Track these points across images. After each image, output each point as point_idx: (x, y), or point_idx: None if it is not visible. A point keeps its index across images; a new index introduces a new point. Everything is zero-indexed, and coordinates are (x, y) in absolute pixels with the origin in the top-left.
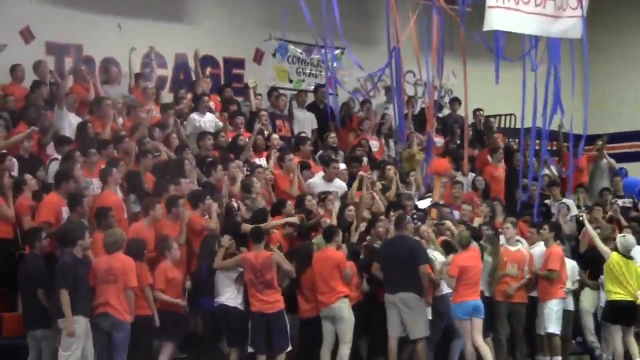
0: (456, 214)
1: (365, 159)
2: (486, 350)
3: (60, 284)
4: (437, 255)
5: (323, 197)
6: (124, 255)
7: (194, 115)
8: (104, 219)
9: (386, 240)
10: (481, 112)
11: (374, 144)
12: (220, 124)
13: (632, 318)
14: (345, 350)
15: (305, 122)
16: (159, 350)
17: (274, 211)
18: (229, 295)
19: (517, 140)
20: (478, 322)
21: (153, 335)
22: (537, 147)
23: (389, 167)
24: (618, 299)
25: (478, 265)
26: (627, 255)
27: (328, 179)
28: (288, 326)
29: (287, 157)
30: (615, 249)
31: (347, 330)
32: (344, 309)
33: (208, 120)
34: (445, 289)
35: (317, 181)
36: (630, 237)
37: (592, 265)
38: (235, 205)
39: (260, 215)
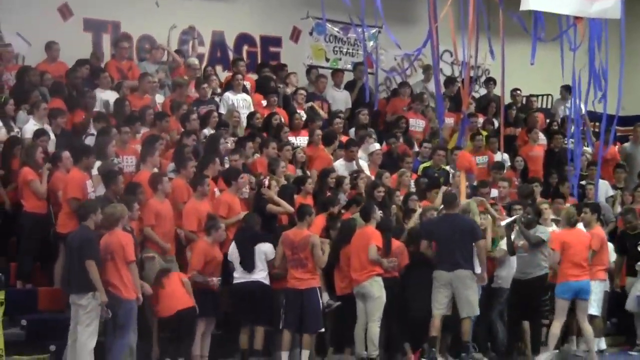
0: (494, 192)
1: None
2: (589, 332)
3: (88, 256)
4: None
5: (355, 177)
6: (121, 231)
7: (228, 94)
8: (132, 194)
9: (437, 218)
10: (519, 92)
11: (420, 123)
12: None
13: None
14: (374, 328)
15: (341, 102)
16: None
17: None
18: (263, 274)
19: (557, 121)
20: (582, 304)
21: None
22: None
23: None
24: None
25: (582, 245)
26: None
27: (348, 160)
28: (321, 307)
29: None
30: None
31: (376, 308)
32: (375, 287)
33: (242, 99)
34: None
35: (337, 163)
36: None
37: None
38: (266, 182)
39: (288, 193)
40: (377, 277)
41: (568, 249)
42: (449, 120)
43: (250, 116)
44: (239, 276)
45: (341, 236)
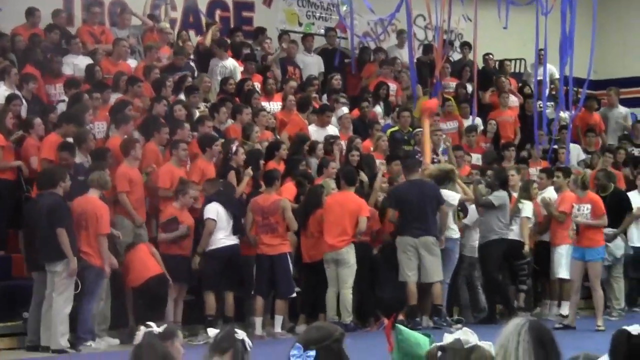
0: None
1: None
2: (597, 297)
3: (59, 224)
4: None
5: (332, 142)
6: (97, 199)
7: (214, 61)
8: (102, 160)
9: (404, 185)
10: (491, 56)
11: (392, 87)
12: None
13: None
14: (347, 295)
15: (313, 66)
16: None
17: (268, 153)
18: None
19: (529, 85)
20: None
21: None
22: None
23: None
24: None
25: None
26: None
27: (321, 125)
28: (291, 272)
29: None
30: None
31: (349, 275)
32: (350, 254)
33: (230, 65)
34: (455, 234)
35: (311, 128)
36: None
37: None
38: (233, 148)
39: (254, 158)
40: (352, 244)
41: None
42: None
43: (224, 82)
44: (224, 237)
45: (309, 202)
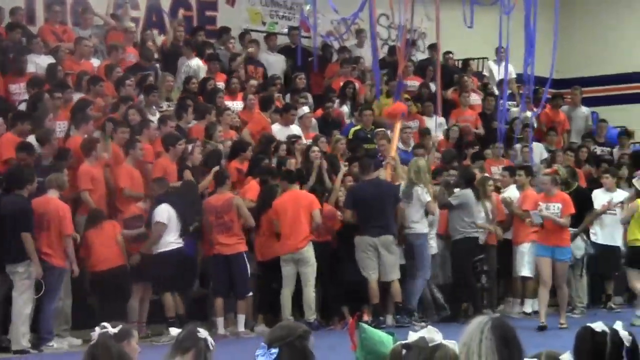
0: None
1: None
2: (562, 295)
3: (24, 227)
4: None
5: (293, 141)
6: (58, 200)
7: (182, 60)
8: (64, 160)
9: (361, 184)
10: (451, 55)
11: (357, 86)
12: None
13: None
14: (310, 293)
15: (276, 65)
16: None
17: (234, 153)
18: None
19: (489, 84)
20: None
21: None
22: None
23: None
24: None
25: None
26: None
27: (285, 124)
28: (249, 271)
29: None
30: (637, 195)
31: (311, 273)
32: (311, 252)
33: (195, 64)
34: (424, 229)
35: (275, 127)
36: None
37: None
38: (189, 148)
39: (213, 158)
40: (311, 242)
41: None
42: None
43: (187, 81)
44: (174, 241)
45: (262, 201)
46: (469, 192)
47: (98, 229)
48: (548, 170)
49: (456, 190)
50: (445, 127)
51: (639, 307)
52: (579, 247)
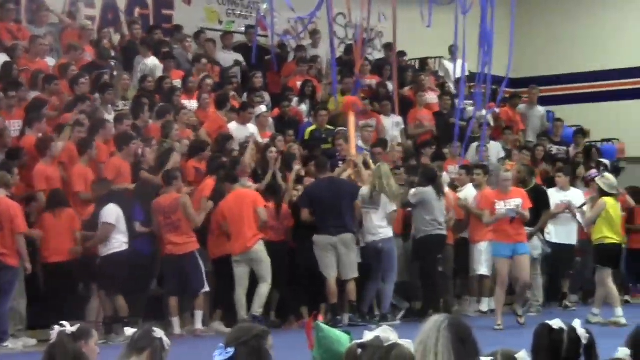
0: None
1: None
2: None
3: None
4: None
5: (245, 146)
6: (8, 199)
7: (138, 59)
8: (17, 159)
9: (317, 183)
10: (404, 58)
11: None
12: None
13: (619, 260)
14: (265, 288)
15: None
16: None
17: (192, 152)
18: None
19: (447, 83)
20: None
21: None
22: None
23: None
24: (611, 242)
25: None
26: (615, 193)
27: (242, 122)
28: (203, 268)
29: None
30: (601, 193)
31: (267, 271)
32: (263, 251)
33: (151, 63)
34: (390, 233)
35: (232, 126)
36: (609, 175)
37: None
38: (139, 151)
39: (164, 158)
40: (261, 240)
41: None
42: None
43: (142, 79)
44: (125, 241)
45: (212, 201)
46: (428, 190)
47: (57, 215)
48: (507, 167)
49: (415, 189)
50: (403, 126)
51: (596, 305)
52: (535, 247)
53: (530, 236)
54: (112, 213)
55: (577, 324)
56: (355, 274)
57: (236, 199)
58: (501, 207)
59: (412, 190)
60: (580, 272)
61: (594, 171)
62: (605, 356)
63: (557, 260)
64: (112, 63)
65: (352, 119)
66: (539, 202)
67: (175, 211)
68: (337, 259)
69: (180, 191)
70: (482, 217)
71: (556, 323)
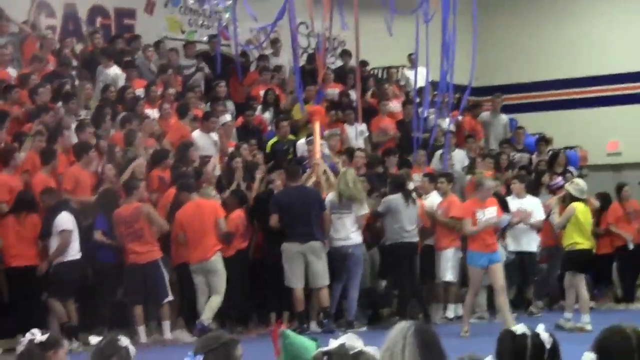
0: None
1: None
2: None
3: None
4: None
5: (207, 161)
6: None
7: (100, 69)
8: None
9: (285, 191)
10: (366, 68)
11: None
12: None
13: (590, 266)
14: (218, 299)
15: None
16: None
17: (155, 161)
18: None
19: (409, 91)
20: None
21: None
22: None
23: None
24: (582, 248)
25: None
26: (584, 198)
27: (206, 130)
28: (166, 276)
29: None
30: (571, 199)
31: (222, 282)
32: (220, 262)
33: (112, 72)
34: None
35: (195, 134)
36: (579, 180)
37: None
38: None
39: (125, 168)
40: (219, 252)
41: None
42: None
43: (104, 89)
44: (78, 249)
45: (172, 209)
46: (395, 197)
47: (21, 219)
48: (487, 175)
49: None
50: (367, 134)
51: (568, 310)
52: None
53: None
54: (68, 220)
55: (540, 329)
56: (326, 282)
57: (195, 208)
58: (481, 216)
59: (383, 199)
60: (545, 279)
61: (559, 179)
62: None
63: (519, 268)
64: (74, 73)
65: (317, 126)
66: (501, 210)
67: (137, 220)
68: (305, 267)
69: (142, 200)
70: (451, 225)
71: (520, 328)
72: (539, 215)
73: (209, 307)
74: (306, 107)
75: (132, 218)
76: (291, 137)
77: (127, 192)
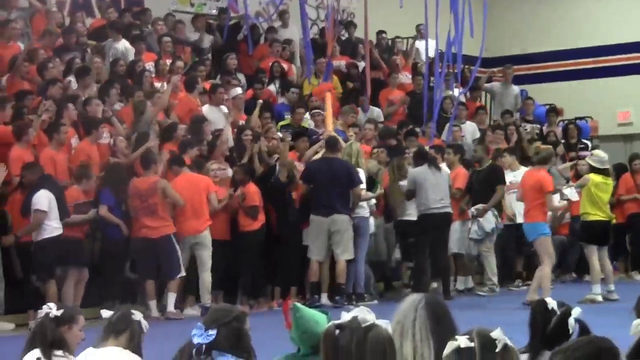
0: None
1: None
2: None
3: None
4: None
5: (217, 135)
6: None
7: (109, 42)
8: None
9: (318, 161)
10: (384, 35)
11: (286, 67)
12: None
13: (607, 237)
14: (208, 277)
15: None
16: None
17: (165, 136)
18: None
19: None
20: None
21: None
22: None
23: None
24: (594, 219)
25: (527, 184)
26: (605, 168)
27: (215, 104)
28: (179, 252)
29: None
30: (591, 170)
31: (208, 257)
32: (209, 238)
33: (122, 47)
34: (366, 212)
35: (205, 108)
36: (598, 151)
37: None
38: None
39: (141, 141)
40: (208, 227)
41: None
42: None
43: (114, 63)
44: (57, 226)
45: None
46: (419, 170)
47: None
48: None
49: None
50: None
51: (594, 283)
52: (488, 221)
53: (482, 212)
54: (44, 199)
55: (576, 311)
56: (349, 256)
57: (186, 183)
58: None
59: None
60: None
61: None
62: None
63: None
64: (85, 47)
65: (329, 99)
66: (494, 179)
67: (153, 195)
68: (329, 239)
69: (157, 174)
70: (457, 196)
71: (551, 302)
72: None
73: (205, 287)
74: (315, 81)
75: (147, 192)
76: (304, 125)
77: (144, 166)
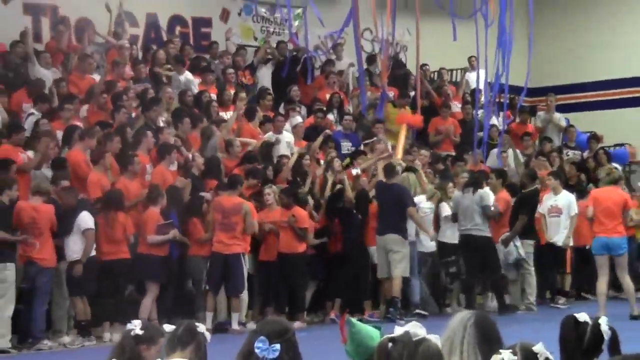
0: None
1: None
2: (629, 286)
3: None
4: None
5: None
6: (45, 204)
7: (174, 74)
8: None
9: (378, 185)
10: (427, 67)
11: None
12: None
13: None
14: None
15: (266, 78)
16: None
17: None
18: None
19: (467, 92)
20: (616, 260)
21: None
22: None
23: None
24: None
25: (612, 201)
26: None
27: (276, 131)
28: (245, 271)
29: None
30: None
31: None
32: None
33: (184, 78)
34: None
35: (268, 136)
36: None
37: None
38: (190, 156)
39: (213, 164)
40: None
41: (599, 206)
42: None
43: (182, 94)
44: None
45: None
46: (457, 194)
47: (109, 218)
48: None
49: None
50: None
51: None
52: (510, 252)
53: (507, 242)
54: (89, 219)
55: (603, 320)
56: (401, 273)
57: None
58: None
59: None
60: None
61: None
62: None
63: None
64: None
65: (404, 130)
66: (518, 206)
67: (236, 214)
68: (386, 257)
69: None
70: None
71: (582, 316)
72: (572, 210)
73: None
74: (394, 110)
75: (231, 211)
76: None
77: (231, 186)
